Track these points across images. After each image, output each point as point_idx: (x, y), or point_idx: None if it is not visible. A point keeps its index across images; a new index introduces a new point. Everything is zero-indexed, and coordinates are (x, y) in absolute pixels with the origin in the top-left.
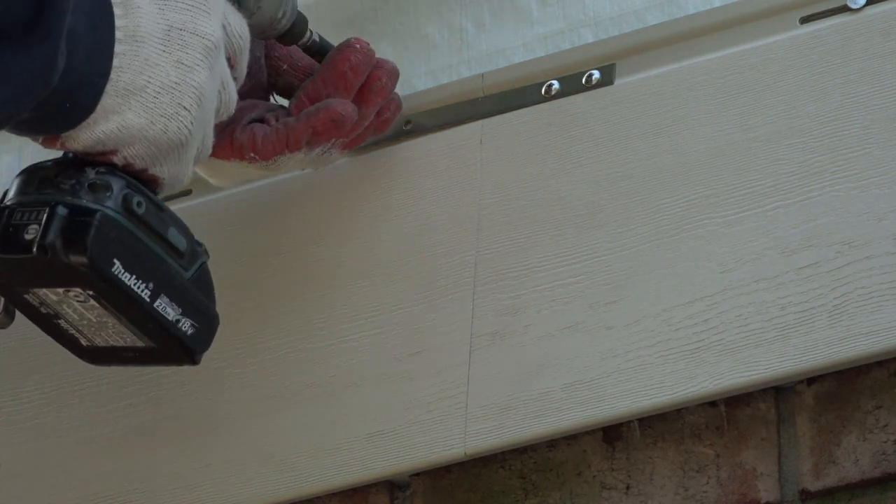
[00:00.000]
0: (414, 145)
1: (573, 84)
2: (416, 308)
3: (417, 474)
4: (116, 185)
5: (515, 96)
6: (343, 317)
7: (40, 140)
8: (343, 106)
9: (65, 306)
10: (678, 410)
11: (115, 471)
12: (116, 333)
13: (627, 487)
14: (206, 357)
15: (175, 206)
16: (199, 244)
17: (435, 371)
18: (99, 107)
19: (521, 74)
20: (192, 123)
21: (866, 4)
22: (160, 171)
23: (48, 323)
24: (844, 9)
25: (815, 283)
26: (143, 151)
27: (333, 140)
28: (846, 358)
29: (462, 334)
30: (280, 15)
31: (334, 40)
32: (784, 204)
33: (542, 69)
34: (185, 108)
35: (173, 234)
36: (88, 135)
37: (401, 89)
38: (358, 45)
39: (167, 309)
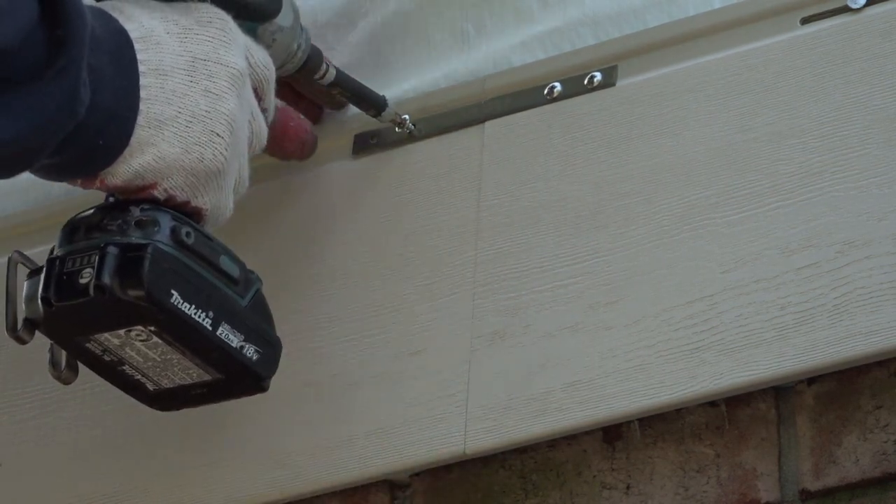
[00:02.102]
0: (417, 148)
1: (575, 86)
2: (416, 308)
3: (417, 474)
4: (163, 219)
5: (517, 98)
6: (344, 316)
7: (79, 182)
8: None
9: (128, 349)
10: (678, 410)
11: (116, 471)
12: (182, 370)
13: (627, 487)
14: None
15: None
16: (252, 272)
17: (435, 370)
18: (133, 139)
19: (523, 77)
20: (226, 150)
21: (867, 5)
22: (202, 201)
23: (112, 371)
24: (845, 9)
25: (815, 283)
26: (183, 182)
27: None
28: (846, 358)
29: (462, 334)
30: (295, 47)
31: (334, 41)
32: (784, 204)
33: (544, 71)
34: (218, 134)
35: (226, 262)
36: (126, 169)
37: (401, 90)
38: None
39: (230, 336)
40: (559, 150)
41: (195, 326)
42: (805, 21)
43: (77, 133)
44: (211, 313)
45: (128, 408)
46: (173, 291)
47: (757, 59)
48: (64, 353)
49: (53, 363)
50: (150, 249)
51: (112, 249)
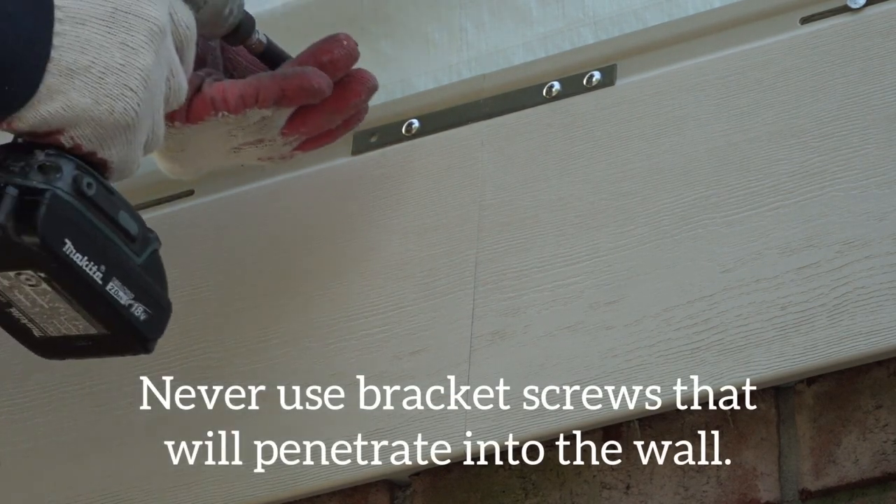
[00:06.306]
0: (415, 146)
1: (574, 85)
2: (416, 307)
3: (417, 474)
4: (66, 166)
5: (516, 97)
6: (344, 315)
7: None
8: (318, 78)
9: (17, 292)
10: (678, 410)
11: (116, 470)
12: (69, 320)
13: (627, 487)
14: (206, 356)
15: (177, 207)
16: (151, 231)
17: (435, 370)
18: (42, 86)
19: (521, 76)
20: (138, 105)
21: (866, 4)
22: (109, 154)
23: (0, 312)
24: (845, 9)
25: (815, 283)
26: (90, 132)
27: (297, 134)
28: (846, 358)
29: (462, 334)
30: (227, 12)
31: None
32: (784, 204)
33: (543, 70)
34: (131, 89)
35: (124, 218)
36: (33, 114)
37: (401, 89)
38: (345, 42)
39: (119, 293)
40: (558, 149)
41: (85, 279)
42: (805, 21)
43: None
44: (103, 267)
45: (128, 406)
46: (67, 240)
47: (757, 59)
48: None
49: None
50: (48, 195)
51: (11, 190)
